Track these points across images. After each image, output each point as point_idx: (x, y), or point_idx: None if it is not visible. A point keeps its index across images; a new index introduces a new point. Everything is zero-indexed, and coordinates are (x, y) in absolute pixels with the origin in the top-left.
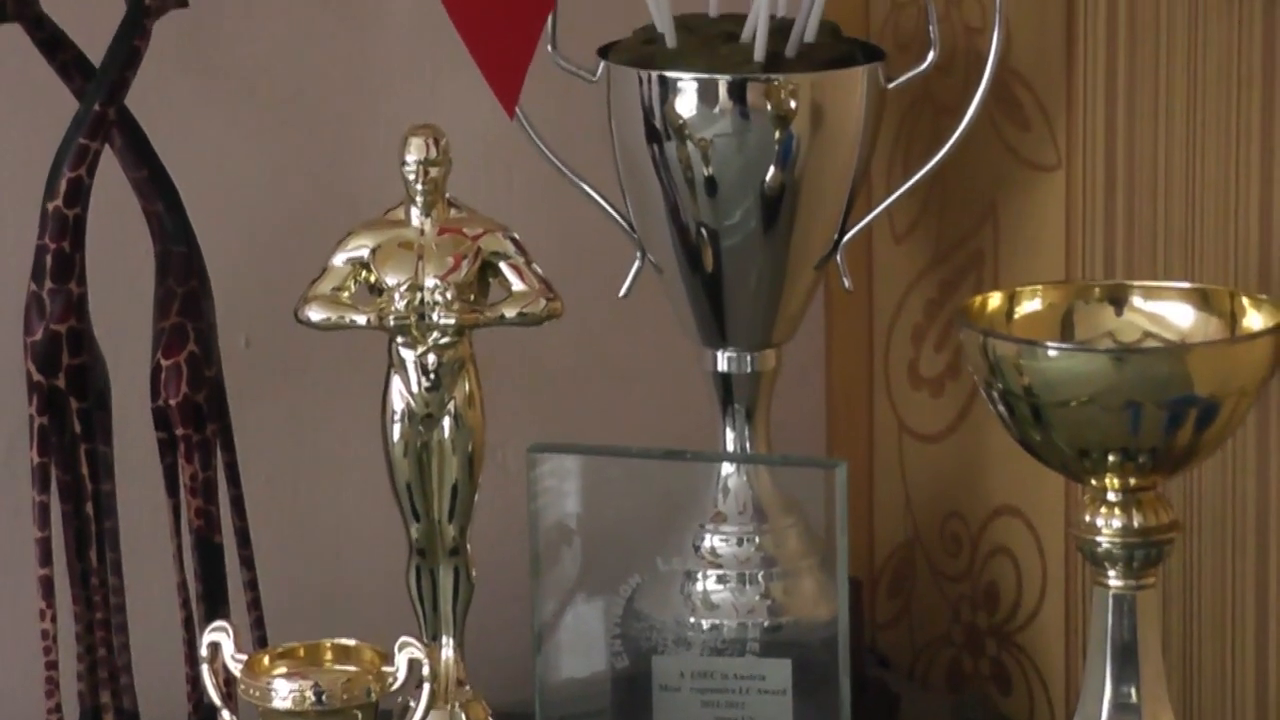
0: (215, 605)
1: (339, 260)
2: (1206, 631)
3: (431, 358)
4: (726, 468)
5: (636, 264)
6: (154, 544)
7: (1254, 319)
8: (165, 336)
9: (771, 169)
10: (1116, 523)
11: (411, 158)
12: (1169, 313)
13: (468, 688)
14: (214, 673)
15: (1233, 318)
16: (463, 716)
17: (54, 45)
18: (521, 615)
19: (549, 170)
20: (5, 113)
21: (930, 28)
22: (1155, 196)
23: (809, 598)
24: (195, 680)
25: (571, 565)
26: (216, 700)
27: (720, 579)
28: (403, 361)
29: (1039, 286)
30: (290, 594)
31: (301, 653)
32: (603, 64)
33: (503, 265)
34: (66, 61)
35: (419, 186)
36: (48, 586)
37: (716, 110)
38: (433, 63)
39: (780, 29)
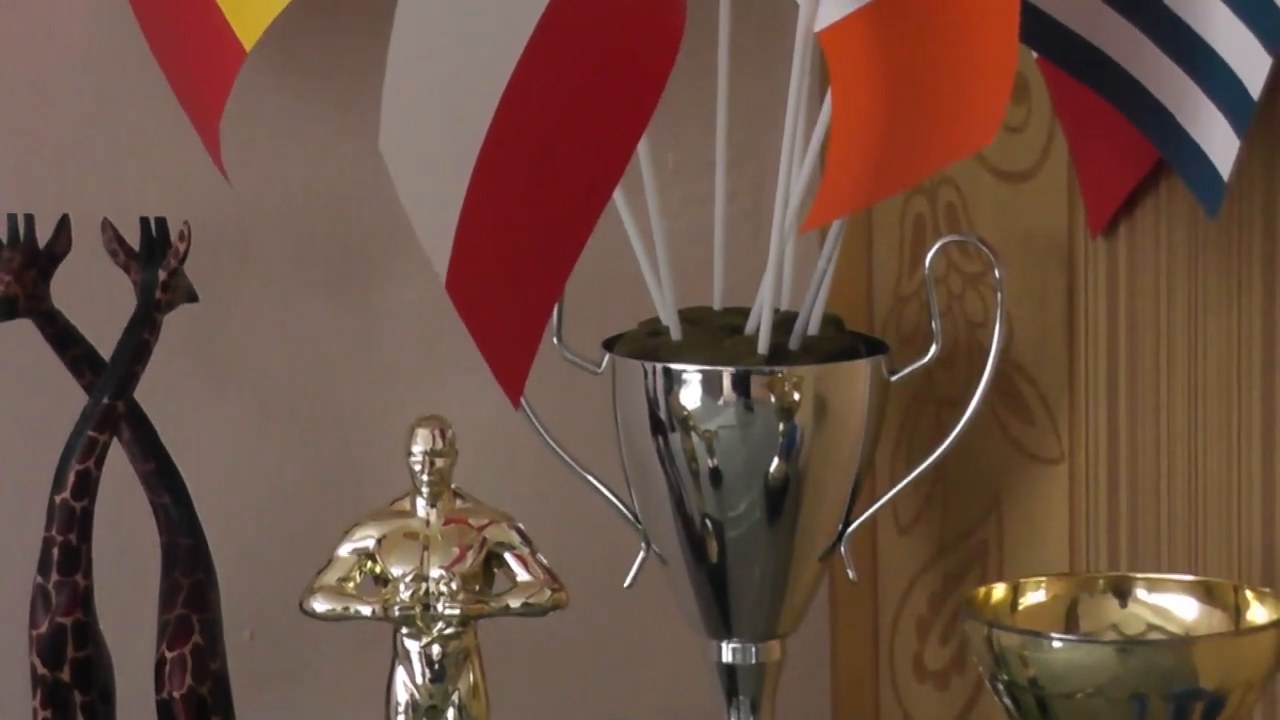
0: None
1: (344, 551)
2: None
3: (436, 648)
4: None
5: (641, 554)
6: None
7: (1258, 612)
8: (170, 628)
9: (776, 460)
10: None
11: (418, 448)
12: (1173, 605)
13: None
14: None
15: (1237, 611)
16: None
17: (65, 341)
18: None
19: (554, 461)
20: (15, 406)
21: (933, 322)
22: (1158, 490)
23: None
24: None
25: None
26: None
27: None
28: (407, 652)
29: (1043, 578)
30: None
31: None
32: (608, 356)
33: (508, 556)
34: (77, 356)
35: (425, 477)
36: None
37: (721, 402)
38: (438, 354)
39: (784, 322)
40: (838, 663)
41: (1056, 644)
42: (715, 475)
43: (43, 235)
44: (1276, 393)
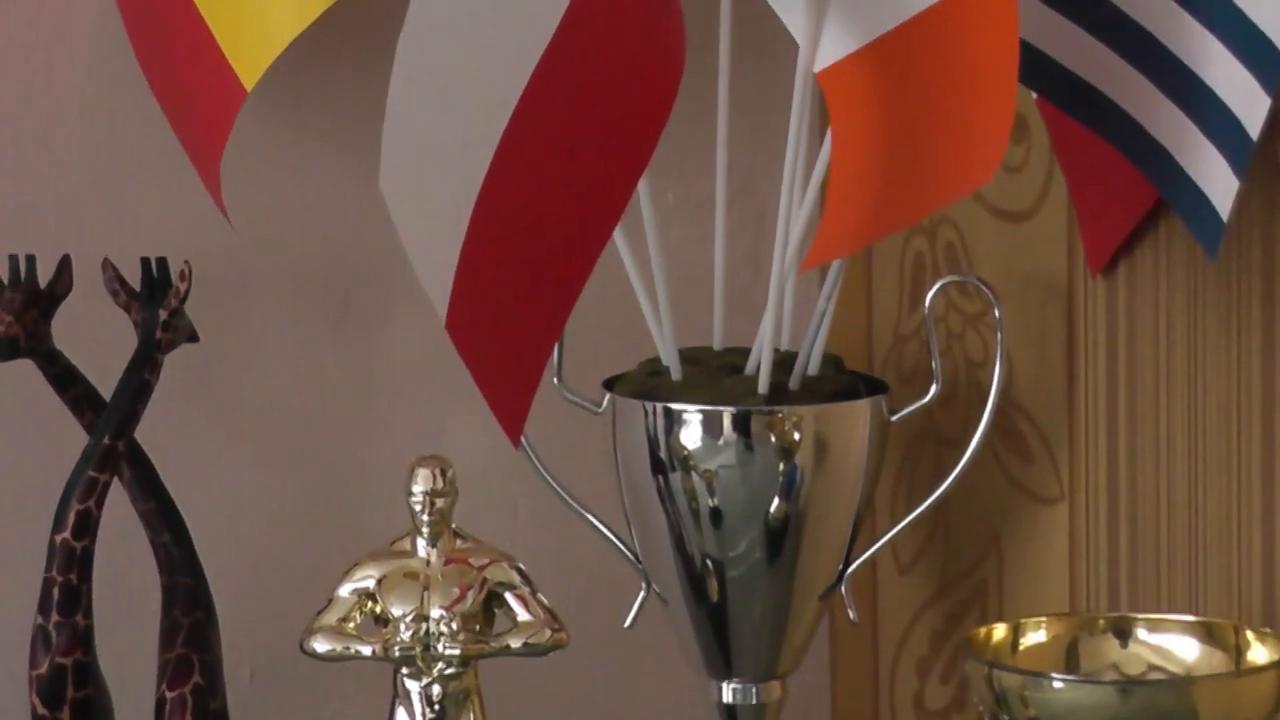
0: None
1: (345, 591)
2: None
3: (436, 688)
4: None
5: (641, 594)
6: None
7: (1259, 652)
8: (170, 668)
9: (776, 500)
10: None
11: (418, 488)
12: (1174, 645)
13: None
14: None
15: (1237, 651)
16: None
17: (66, 380)
18: None
19: (554, 500)
20: (15, 445)
21: (933, 361)
22: (1158, 530)
23: None
24: None
25: None
26: None
27: None
28: (408, 692)
29: (1043, 618)
30: None
31: None
32: (608, 395)
33: (508, 595)
34: (78, 396)
35: (425, 517)
36: None
37: (721, 442)
38: (438, 393)
39: (784, 361)
40: (838, 702)
41: (1057, 684)
42: (715, 515)
43: (44, 275)
44: (1276, 432)
